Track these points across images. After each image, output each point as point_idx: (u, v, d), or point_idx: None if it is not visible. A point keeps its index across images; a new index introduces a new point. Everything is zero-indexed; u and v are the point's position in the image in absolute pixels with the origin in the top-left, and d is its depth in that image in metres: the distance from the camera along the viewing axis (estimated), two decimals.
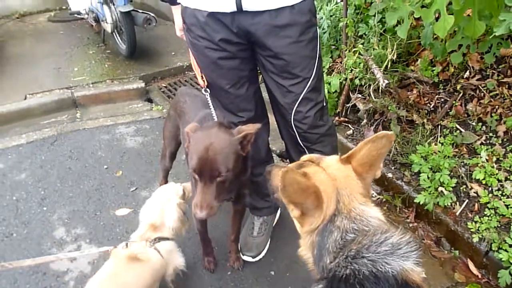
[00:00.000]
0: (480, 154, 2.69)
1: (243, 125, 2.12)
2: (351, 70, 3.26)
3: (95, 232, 2.75)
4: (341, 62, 3.52)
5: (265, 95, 2.24)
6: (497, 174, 2.56)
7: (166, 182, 2.80)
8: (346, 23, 3.19)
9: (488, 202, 2.46)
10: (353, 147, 3.18)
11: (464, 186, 2.61)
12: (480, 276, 2.34)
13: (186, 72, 5.12)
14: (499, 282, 2.20)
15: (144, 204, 2.21)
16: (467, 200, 2.56)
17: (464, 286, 2.30)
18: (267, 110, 2.34)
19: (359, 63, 3.20)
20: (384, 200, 2.88)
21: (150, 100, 4.67)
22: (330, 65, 3.65)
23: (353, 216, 1.20)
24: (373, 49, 3.18)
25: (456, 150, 2.79)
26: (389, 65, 3.10)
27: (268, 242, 2.60)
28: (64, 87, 4.63)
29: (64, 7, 7.56)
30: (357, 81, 3.26)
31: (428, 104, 3.11)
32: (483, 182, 2.57)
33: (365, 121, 3.29)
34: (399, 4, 2.14)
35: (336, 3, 3.61)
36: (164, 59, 5.39)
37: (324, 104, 2.16)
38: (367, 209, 1.22)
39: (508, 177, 2.54)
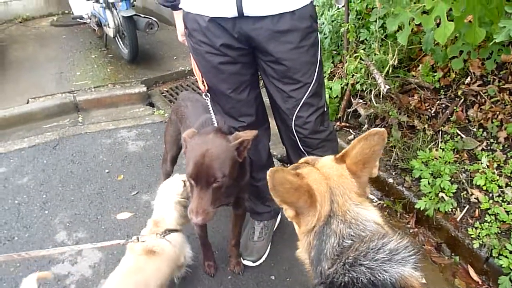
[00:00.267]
0: (481, 160, 2.69)
1: (243, 130, 2.14)
2: (353, 75, 3.27)
3: (96, 236, 2.76)
4: (342, 67, 3.53)
5: (266, 99, 2.25)
6: (497, 180, 2.56)
7: None
8: (348, 29, 3.21)
9: (489, 208, 2.46)
10: None
11: (465, 192, 2.61)
12: (480, 283, 2.34)
13: (188, 77, 5.13)
14: None
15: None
16: (467, 206, 2.56)
17: None
18: (268, 115, 2.35)
19: (361, 68, 3.21)
20: (384, 205, 2.88)
21: (151, 105, 4.68)
22: (332, 70, 3.66)
23: (349, 219, 1.18)
24: (375, 54, 3.19)
25: (457, 156, 2.79)
26: (390, 71, 3.10)
27: (269, 247, 2.60)
28: (66, 91, 4.64)
29: (66, 12, 7.59)
30: (358, 86, 3.27)
31: (429, 110, 3.11)
32: (484, 188, 2.57)
33: (366, 126, 3.29)
34: (399, 10, 2.15)
35: (338, 8, 3.63)
36: (166, 64, 5.41)
37: (325, 110, 2.17)
38: (362, 211, 1.20)
39: (509, 183, 2.54)
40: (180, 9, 2.04)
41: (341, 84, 3.39)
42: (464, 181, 2.64)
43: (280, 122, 2.24)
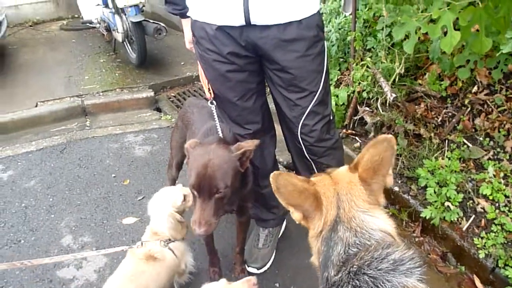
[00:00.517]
0: (487, 170, 2.67)
1: (249, 138, 2.15)
2: (359, 83, 3.27)
3: (102, 240, 2.77)
4: (349, 75, 3.54)
5: (272, 107, 2.26)
6: (504, 190, 2.54)
7: None
8: (355, 37, 3.21)
9: (495, 218, 2.45)
10: None
11: (471, 201, 2.60)
12: None
13: (195, 82, 5.16)
14: None
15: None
16: (473, 216, 2.54)
17: None
18: (274, 122, 2.36)
19: (367, 76, 3.21)
20: (390, 213, 2.85)
21: (159, 109, 4.71)
22: (338, 77, 3.67)
23: (354, 227, 1.19)
24: (381, 62, 3.19)
25: (463, 165, 2.78)
26: (397, 79, 3.10)
27: (274, 254, 2.60)
28: (75, 95, 4.69)
29: (76, 16, 7.68)
30: (364, 94, 3.27)
31: (436, 118, 3.10)
32: (490, 197, 2.55)
33: (372, 134, 3.29)
34: (406, 19, 2.16)
35: (345, 16, 3.64)
36: (174, 69, 5.44)
37: (331, 118, 2.17)
38: (368, 219, 1.21)
39: None
40: (188, 17, 2.05)
41: (347, 92, 3.39)
42: (470, 190, 2.63)
43: (286, 130, 2.25)
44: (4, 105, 4.48)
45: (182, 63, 5.59)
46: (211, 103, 2.09)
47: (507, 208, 2.48)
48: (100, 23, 5.92)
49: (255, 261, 2.50)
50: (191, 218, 1.79)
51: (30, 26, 7.49)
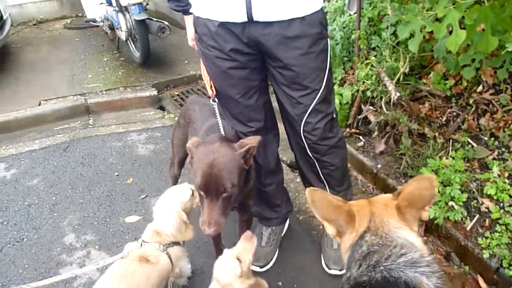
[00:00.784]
0: (492, 169, 2.66)
1: (251, 135, 2.14)
2: (363, 82, 3.26)
3: (105, 238, 2.77)
4: (353, 74, 3.52)
5: (275, 105, 2.25)
6: (509, 189, 2.52)
7: None
8: (359, 35, 3.20)
9: (499, 218, 2.43)
10: (363, 159, 3.18)
11: (475, 201, 2.58)
12: None
13: (199, 81, 5.16)
14: None
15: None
16: (478, 216, 2.53)
17: None
18: (277, 120, 2.35)
19: (371, 75, 3.20)
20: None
21: (162, 108, 4.71)
22: (342, 76, 3.65)
23: (380, 233, 1.24)
24: (386, 61, 3.18)
25: (468, 164, 2.76)
26: (401, 78, 3.09)
27: (277, 253, 2.59)
28: (78, 94, 4.70)
29: (80, 15, 7.69)
30: (369, 93, 3.26)
31: (440, 118, 3.09)
32: (495, 197, 2.53)
33: (376, 133, 3.27)
34: (411, 17, 2.14)
35: (350, 15, 3.62)
36: (177, 68, 5.44)
37: (334, 116, 2.16)
38: (395, 230, 1.25)
39: None
40: (191, 13, 2.05)
41: (351, 91, 3.38)
42: (474, 190, 2.61)
43: (289, 128, 2.24)
44: (7, 103, 4.49)
45: (186, 61, 5.58)
46: (213, 100, 2.09)
47: None
48: (103, 22, 5.91)
49: (258, 259, 2.49)
50: (199, 219, 1.77)
51: (34, 25, 7.50)
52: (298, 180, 3.22)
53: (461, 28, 1.89)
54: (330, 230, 1.33)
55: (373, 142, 3.26)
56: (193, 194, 2.14)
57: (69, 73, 5.28)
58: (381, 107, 3.19)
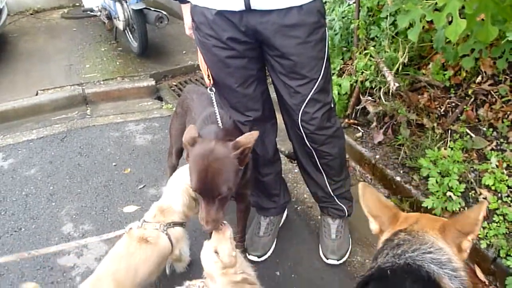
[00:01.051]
0: (490, 160, 2.65)
1: (249, 124, 2.13)
2: (362, 73, 3.24)
3: (103, 228, 2.77)
4: (352, 64, 3.51)
5: (273, 95, 2.24)
6: (507, 180, 2.52)
7: None
8: (358, 25, 3.18)
9: (497, 209, 2.43)
10: (361, 150, 3.17)
11: (473, 191, 2.59)
12: (487, 283, 2.31)
13: (197, 71, 5.13)
14: None
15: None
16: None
17: None
18: (275, 110, 2.34)
19: (370, 66, 3.18)
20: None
21: (160, 98, 4.69)
22: (341, 67, 3.64)
23: (413, 233, 1.25)
24: (385, 51, 3.16)
25: (466, 155, 2.76)
26: (400, 68, 3.07)
27: (274, 243, 2.59)
28: (75, 84, 4.67)
29: (77, 4, 7.64)
30: (367, 84, 3.24)
31: (439, 108, 3.08)
32: (493, 188, 2.53)
33: (374, 123, 3.27)
34: (411, 7, 2.12)
35: (349, 5, 3.60)
36: (175, 58, 5.41)
37: (332, 106, 2.15)
38: (431, 236, 1.25)
39: None
40: (188, 2, 2.02)
41: (350, 81, 3.36)
42: (472, 180, 2.61)
43: (286, 118, 2.23)
44: (4, 93, 4.47)
45: (184, 52, 5.55)
46: (210, 90, 2.07)
47: (510, 199, 2.46)
48: (101, 11, 5.87)
49: (256, 249, 2.50)
50: (198, 214, 1.81)
51: (31, 14, 7.44)
52: (296, 170, 3.21)
53: (461, 18, 1.88)
54: (373, 226, 1.36)
55: (372, 133, 3.26)
56: None
57: (66, 63, 5.25)
58: (379, 98, 3.18)
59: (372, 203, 1.33)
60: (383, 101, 3.13)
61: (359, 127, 3.37)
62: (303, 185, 2.89)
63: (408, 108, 3.10)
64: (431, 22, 3.06)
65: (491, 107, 2.88)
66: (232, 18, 1.85)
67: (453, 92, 3.09)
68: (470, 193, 2.58)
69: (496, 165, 2.62)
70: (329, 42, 2.06)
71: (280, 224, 2.70)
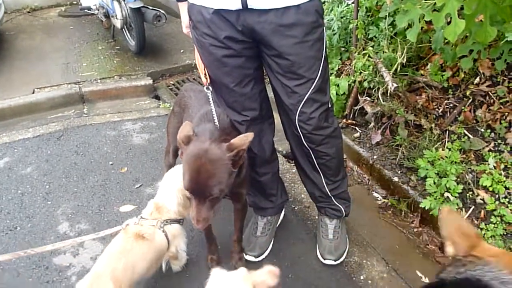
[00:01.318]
0: (487, 161, 2.65)
1: (246, 124, 2.12)
2: (360, 73, 3.24)
3: (99, 228, 2.75)
4: (350, 64, 3.50)
5: (271, 95, 2.23)
6: (504, 181, 2.52)
7: None
8: (357, 25, 3.17)
9: (495, 210, 2.43)
10: (359, 150, 3.17)
11: (471, 192, 2.58)
12: None
13: (195, 70, 5.12)
14: None
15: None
16: (473, 207, 2.53)
17: None
18: (273, 110, 2.33)
19: (369, 66, 3.17)
20: (389, 204, 2.86)
21: (157, 97, 4.67)
22: (339, 67, 3.63)
23: (484, 262, 1.19)
24: (383, 52, 3.16)
25: (464, 156, 2.76)
26: (398, 69, 3.07)
27: (271, 243, 2.58)
28: (72, 82, 4.65)
29: (74, 2, 7.62)
30: (365, 84, 3.24)
31: (437, 109, 3.08)
32: (490, 189, 2.53)
33: (372, 124, 3.27)
34: (409, 7, 2.12)
35: (347, 5, 3.59)
36: (173, 57, 5.40)
37: (330, 106, 2.14)
38: (502, 269, 1.17)
39: None
40: (185, 0, 2.02)
41: (348, 81, 3.36)
42: (470, 181, 2.61)
43: (284, 118, 2.22)
44: (1, 91, 4.45)
45: (182, 51, 5.54)
46: (207, 88, 2.06)
47: (507, 200, 2.46)
48: (98, 10, 5.85)
49: (253, 249, 2.49)
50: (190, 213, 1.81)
51: (28, 12, 7.41)
52: (293, 170, 3.20)
53: (459, 18, 1.87)
54: (449, 250, 1.32)
55: (370, 133, 3.25)
56: None
57: (63, 61, 5.22)
58: (378, 98, 3.17)
59: (453, 229, 1.29)
60: (381, 101, 3.13)
61: (357, 128, 3.37)
62: (300, 185, 2.88)
63: (406, 109, 3.10)
64: (429, 22, 3.06)
65: (489, 108, 2.88)
66: (229, 17, 1.84)
67: (451, 93, 3.09)
68: (468, 194, 2.58)
69: (494, 166, 2.62)
70: (328, 42, 2.05)
71: (278, 224, 2.69)
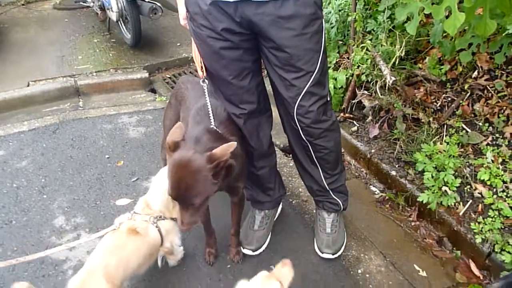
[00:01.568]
0: (485, 155, 2.65)
1: (244, 117, 2.11)
2: (358, 66, 3.22)
3: (95, 221, 2.73)
4: (348, 58, 3.49)
5: (268, 88, 2.21)
6: (502, 175, 2.53)
7: None
8: (355, 18, 3.15)
9: (492, 203, 2.44)
10: (357, 144, 3.17)
11: (469, 186, 2.58)
12: (481, 278, 2.32)
13: (191, 64, 5.08)
14: None
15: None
16: (471, 201, 2.53)
17: (465, 287, 2.28)
18: (270, 103, 2.31)
19: (367, 59, 3.16)
20: (387, 198, 2.85)
21: (153, 91, 4.64)
22: (337, 60, 3.62)
23: None
24: (381, 45, 3.14)
25: (462, 150, 2.76)
26: (396, 62, 3.06)
27: (269, 237, 2.57)
28: (68, 75, 4.59)
29: None
30: (363, 77, 3.22)
31: (435, 103, 3.07)
32: (488, 183, 2.54)
33: (370, 118, 3.26)
34: (409, 0, 2.10)
35: None
36: (169, 50, 5.36)
37: (328, 99, 2.12)
38: None
39: None
40: None
41: (346, 75, 3.34)
42: (468, 175, 2.61)
43: (282, 111, 2.20)
44: None
45: (178, 44, 5.50)
46: (203, 81, 2.03)
47: (505, 194, 2.46)
48: (94, 2, 5.79)
49: (251, 243, 2.48)
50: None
51: (23, 4, 7.31)
52: (291, 164, 3.19)
53: (459, 11, 1.86)
54: None
55: (367, 127, 3.24)
56: None
57: (58, 54, 5.17)
58: (375, 92, 3.16)
59: None
60: (379, 95, 3.12)
61: (354, 121, 3.36)
62: (298, 178, 2.87)
63: (404, 103, 3.09)
64: (428, 16, 3.05)
65: (487, 102, 2.87)
66: (226, 9, 1.81)
67: (449, 86, 3.08)
68: (466, 188, 2.58)
69: (492, 160, 2.62)
70: (325, 35, 2.03)
71: (275, 218, 2.68)
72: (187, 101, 2.24)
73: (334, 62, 3.59)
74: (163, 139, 2.68)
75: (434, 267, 2.41)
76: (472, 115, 2.89)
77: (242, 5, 1.79)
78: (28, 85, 4.38)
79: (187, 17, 2.02)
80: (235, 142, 1.73)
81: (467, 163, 2.67)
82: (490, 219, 2.38)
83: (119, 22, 5.26)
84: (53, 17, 6.60)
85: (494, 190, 2.51)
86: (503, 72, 2.89)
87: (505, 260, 2.17)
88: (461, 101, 2.95)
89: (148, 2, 4.79)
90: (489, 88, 2.89)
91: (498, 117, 2.76)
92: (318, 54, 1.95)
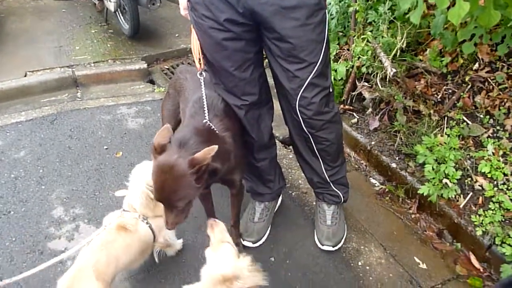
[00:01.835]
0: (486, 147, 2.64)
1: (245, 108, 2.09)
2: (359, 58, 3.20)
3: (94, 212, 2.72)
4: (348, 49, 3.47)
5: (270, 80, 2.19)
6: (503, 168, 2.52)
7: None
8: (356, 9, 3.13)
9: (493, 196, 2.43)
10: (357, 136, 3.15)
11: (469, 178, 2.58)
12: (482, 270, 2.32)
13: (189, 55, 5.05)
14: (501, 276, 2.17)
15: None
16: (471, 193, 2.52)
17: (466, 279, 2.28)
18: (272, 94, 2.29)
19: (367, 51, 3.14)
20: (387, 190, 2.85)
21: (152, 82, 4.61)
22: (337, 52, 3.59)
23: None
24: (382, 36, 3.12)
25: (462, 142, 2.75)
26: (397, 54, 3.04)
27: (269, 229, 2.57)
28: (65, 66, 4.56)
29: None
30: (364, 69, 3.20)
31: (436, 95, 3.06)
32: (489, 175, 2.53)
33: (370, 110, 3.24)
34: None
35: None
36: (168, 41, 5.33)
37: (330, 91, 2.10)
38: None
39: None
40: None
41: (346, 66, 3.32)
42: (468, 167, 2.60)
43: (284, 102, 2.18)
44: None
45: (177, 35, 5.46)
46: (200, 74, 2.00)
47: (506, 186, 2.46)
48: None
49: (251, 235, 2.48)
50: None
51: None
52: (291, 156, 3.18)
53: (463, 1, 1.84)
54: None
55: (367, 119, 3.23)
56: None
57: (55, 44, 5.13)
58: (376, 84, 3.15)
59: None
60: (380, 87, 3.10)
61: (354, 113, 3.35)
62: (298, 170, 2.86)
63: (404, 95, 3.08)
64: (429, 7, 3.03)
65: (488, 94, 2.86)
66: None
67: (450, 78, 3.07)
68: (466, 180, 2.57)
69: (493, 153, 2.61)
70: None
71: (275, 210, 2.67)
72: (185, 91, 2.21)
73: (334, 53, 3.56)
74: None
75: (434, 260, 2.41)
76: (473, 108, 2.87)
77: None
78: (25, 75, 4.34)
79: (188, 7, 1.99)
80: (216, 146, 1.68)
81: (468, 156, 2.66)
82: (491, 211, 2.38)
83: (117, 12, 5.22)
84: (50, 7, 6.55)
85: (495, 182, 2.51)
86: (504, 64, 2.87)
87: (506, 252, 2.17)
88: (462, 93, 2.93)
89: None
90: (490, 81, 2.87)
91: (499, 109, 2.75)
92: (321, 45, 1.93)
